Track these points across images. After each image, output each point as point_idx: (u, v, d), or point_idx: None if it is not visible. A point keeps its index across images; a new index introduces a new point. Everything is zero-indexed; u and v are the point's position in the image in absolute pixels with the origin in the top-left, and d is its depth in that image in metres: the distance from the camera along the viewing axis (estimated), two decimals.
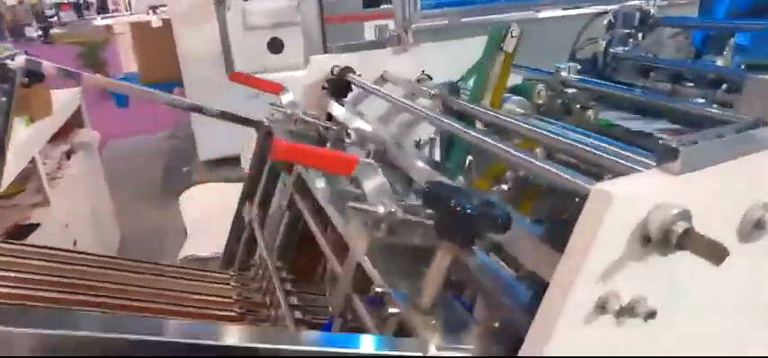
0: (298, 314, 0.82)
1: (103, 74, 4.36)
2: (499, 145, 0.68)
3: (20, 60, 1.03)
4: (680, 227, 0.43)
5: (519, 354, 0.47)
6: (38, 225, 1.90)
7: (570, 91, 1.13)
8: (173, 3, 3.59)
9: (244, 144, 3.29)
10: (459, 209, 0.45)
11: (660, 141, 0.47)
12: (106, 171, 3.00)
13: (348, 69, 1.22)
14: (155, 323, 0.50)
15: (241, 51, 3.94)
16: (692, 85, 1.32)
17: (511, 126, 0.82)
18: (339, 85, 1.23)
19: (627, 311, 0.46)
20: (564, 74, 1.10)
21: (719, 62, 1.42)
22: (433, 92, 1.03)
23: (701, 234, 0.42)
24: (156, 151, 4.60)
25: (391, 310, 0.51)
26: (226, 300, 0.89)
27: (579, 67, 1.17)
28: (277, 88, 1.11)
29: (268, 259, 1.01)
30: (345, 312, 0.71)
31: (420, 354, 0.45)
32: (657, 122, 1.22)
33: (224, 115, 1.25)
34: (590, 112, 1.15)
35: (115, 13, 6.27)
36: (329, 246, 0.82)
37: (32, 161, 2.01)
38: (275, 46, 4.12)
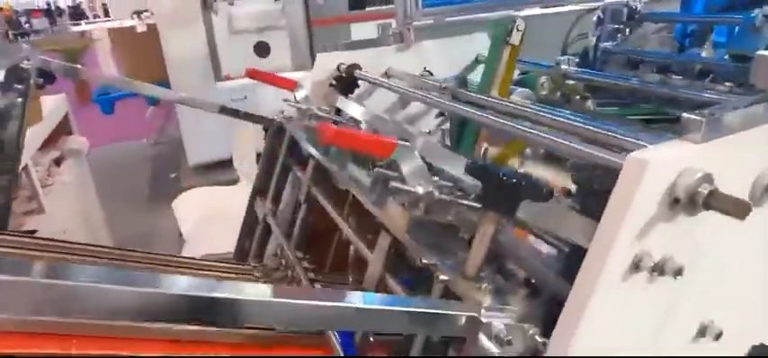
0: None
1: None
2: (521, 127, 0.72)
3: (34, 61, 1.03)
4: (705, 188, 0.48)
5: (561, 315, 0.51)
6: (34, 231, 1.88)
7: (570, 82, 1.19)
8: (159, 7, 3.57)
9: (236, 146, 3.29)
10: (505, 179, 0.50)
11: (683, 115, 0.51)
12: (92, 178, 2.97)
13: (355, 66, 1.26)
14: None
15: (228, 55, 3.94)
16: (679, 77, 1.39)
17: (522, 112, 0.87)
18: (347, 82, 1.26)
19: (658, 268, 0.51)
20: (564, 66, 1.16)
21: (704, 54, 1.50)
22: (442, 84, 1.07)
23: (725, 193, 0.47)
24: (141, 157, 4.55)
25: (442, 278, 0.55)
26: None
27: (577, 60, 1.22)
28: (292, 84, 1.13)
29: (288, 251, 1.04)
30: (378, 292, 0.74)
31: (474, 314, 0.49)
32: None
33: (235, 113, 1.27)
34: (589, 102, 1.21)
35: (97, 20, 6.17)
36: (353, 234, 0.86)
37: (25, 168, 1.99)
38: (261, 49, 4.13)
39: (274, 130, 1.24)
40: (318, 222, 1.11)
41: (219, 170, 3.72)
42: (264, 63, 4.07)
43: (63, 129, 2.64)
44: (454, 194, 0.64)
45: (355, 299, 0.46)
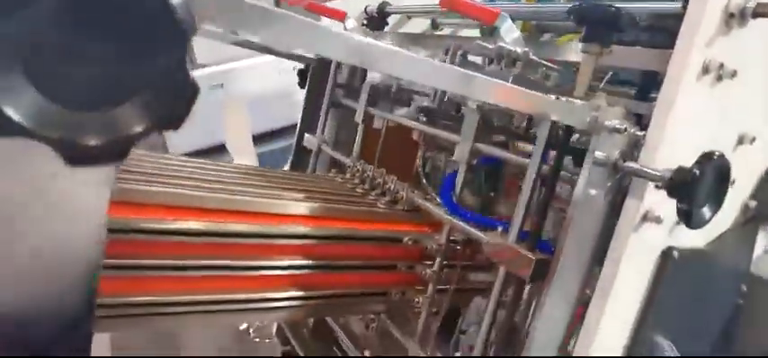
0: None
1: None
2: None
3: None
4: (752, 2, 0.64)
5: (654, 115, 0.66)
6: None
7: None
8: None
9: (227, 124, 3.29)
10: (604, 14, 0.64)
11: None
12: None
13: (385, 3, 1.38)
14: None
15: (200, 41, 3.90)
16: None
17: None
18: (379, 20, 1.38)
19: (719, 71, 0.67)
20: None
21: None
22: None
23: None
24: None
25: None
26: (360, 191, 1.02)
27: None
28: (342, 15, 1.24)
29: (358, 164, 1.14)
30: (470, 161, 0.88)
31: (597, 105, 0.64)
32: None
33: (269, 50, 1.37)
34: None
35: None
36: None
37: None
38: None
39: (316, 68, 1.35)
40: (373, 144, 1.22)
41: (203, 158, 3.71)
42: (236, 49, 4.07)
43: None
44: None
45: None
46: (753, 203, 0.89)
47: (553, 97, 0.63)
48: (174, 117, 0.24)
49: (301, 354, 1.22)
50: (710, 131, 0.73)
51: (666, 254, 0.73)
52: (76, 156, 0.23)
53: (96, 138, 0.22)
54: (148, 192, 0.65)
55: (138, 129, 0.23)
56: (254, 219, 0.74)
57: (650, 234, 0.70)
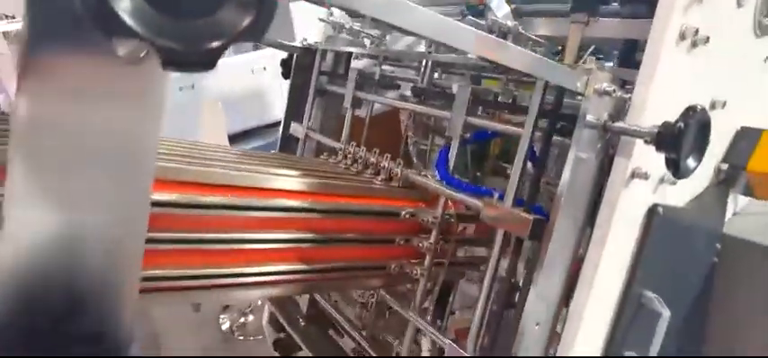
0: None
1: None
2: None
3: None
4: None
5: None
6: None
7: None
8: None
9: (203, 121, 3.24)
10: None
11: None
12: None
13: None
14: None
15: None
16: None
17: None
18: None
19: (695, 37, 0.72)
20: None
21: None
22: None
23: None
24: None
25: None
26: (354, 170, 1.03)
27: None
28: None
29: (349, 147, 1.16)
30: (463, 134, 0.92)
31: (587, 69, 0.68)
32: None
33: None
34: None
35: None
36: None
37: None
38: None
39: (302, 52, 1.35)
40: (358, 134, 1.25)
41: None
42: None
43: None
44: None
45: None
46: (724, 166, 0.96)
47: (553, 61, 0.67)
48: (259, 26, 0.26)
49: (296, 340, 1.23)
50: (687, 97, 0.78)
51: (652, 210, 0.78)
52: (175, 59, 0.24)
53: (192, 44, 0.24)
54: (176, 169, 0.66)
55: (228, 35, 0.25)
56: (258, 194, 0.75)
57: (638, 190, 0.74)
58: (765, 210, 1.09)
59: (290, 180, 0.80)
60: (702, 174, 0.93)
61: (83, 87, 0.36)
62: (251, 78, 3.89)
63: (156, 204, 0.62)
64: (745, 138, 0.97)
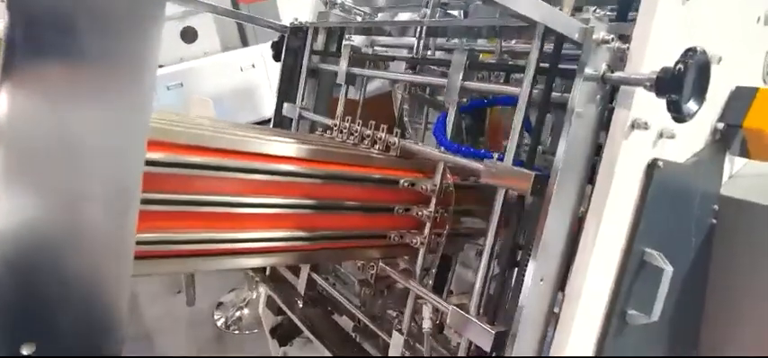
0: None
1: None
2: None
3: None
4: None
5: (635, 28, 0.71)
6: None
7: None
8: None
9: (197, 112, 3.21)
10: None
11: None
12: None
13: None
14: None
15: None
16: None
17: None
18: None
19: None
20: None
21: None
22: None
23: None
24: None
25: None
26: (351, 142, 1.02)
27: None
28: None
29: (342, 122, 1.15)
30: (459, 103, 0.91)
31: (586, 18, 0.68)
32: None
33: (249, 18, 1.35)
34: None
35: None
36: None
37: None
38: (188, 34, 4.04)
39: (293, 31, 1.34)
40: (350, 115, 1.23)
41: None
42: (193, 48, 3.99)
43: None
44: None
45: None
46: (720, 125, 0.96)
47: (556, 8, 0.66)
48: None
49: (295, 322, 1.21)
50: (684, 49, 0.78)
51: (652, 164, 0.77)
52: None
53: None
54: (165, 130, 0.64)
55: None
56: (254, 158, 0.73)
57: (638, 142, 0.74)
58: (760, 172, 1.09)
59: (286, 146, 0.78)
60: (699, 132, 0.93)
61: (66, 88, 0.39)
62: (240, 76, 3.86)
63: (149, 163, 0.60)
64: (741, 98, 0.97)
